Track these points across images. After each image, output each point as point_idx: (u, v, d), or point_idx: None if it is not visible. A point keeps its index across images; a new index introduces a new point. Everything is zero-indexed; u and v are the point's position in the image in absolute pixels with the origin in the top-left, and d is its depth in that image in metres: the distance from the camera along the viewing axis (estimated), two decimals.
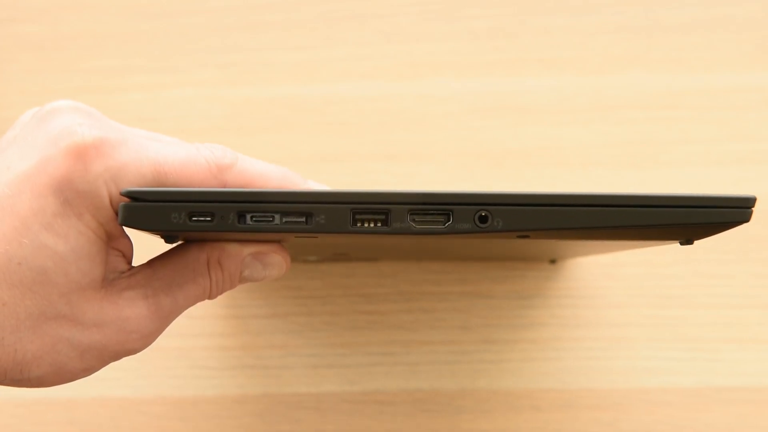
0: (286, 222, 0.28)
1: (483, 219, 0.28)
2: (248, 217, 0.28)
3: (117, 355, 0.31)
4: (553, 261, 0.48)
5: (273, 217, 0.28)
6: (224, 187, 0.30)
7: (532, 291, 0.48)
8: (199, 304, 0.33)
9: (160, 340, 0.32)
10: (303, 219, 0.28)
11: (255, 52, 0.51)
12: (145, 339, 0.31)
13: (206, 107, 0.51)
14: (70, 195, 0.28)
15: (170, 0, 0.52)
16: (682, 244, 0.30)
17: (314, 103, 0.51)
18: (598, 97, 0.50)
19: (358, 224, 0.28)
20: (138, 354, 0.32)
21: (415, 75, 0.51)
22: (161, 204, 0.28)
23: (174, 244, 0.32)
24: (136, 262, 0.32)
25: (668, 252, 0.48)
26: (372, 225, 0.28)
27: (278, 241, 0.32)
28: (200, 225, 0.28)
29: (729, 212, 0.27)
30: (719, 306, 0.48)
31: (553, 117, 0.50)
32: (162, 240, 0.31)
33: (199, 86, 0.51)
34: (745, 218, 0.28)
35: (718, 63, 0.50)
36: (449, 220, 0.28)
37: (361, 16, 0.51)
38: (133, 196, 0.27)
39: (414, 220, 0.28)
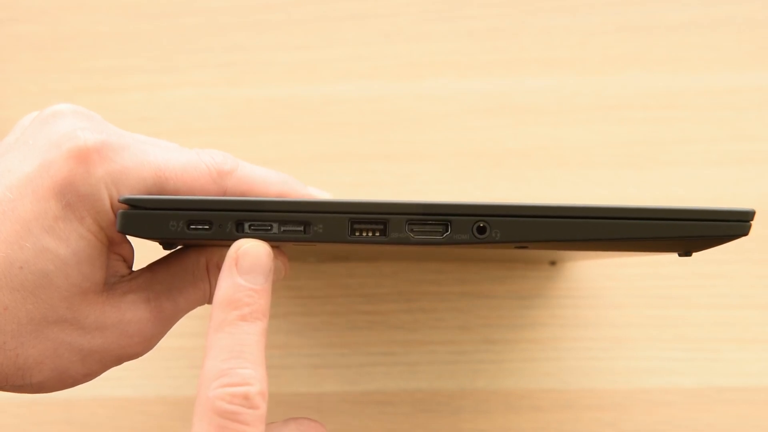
0: (284, 231, 0.28)
1: (481, 230, 0.28)
2: (246, 225, 0.28)
3: (119, 360, 0.31)
4: (553, 263, 0.48)
5: (271, 226, 0.28)
6: (224, 193, 0.30)
7: (532, 291, 0.48)
8: None
9: (161, 340, 0.32)
10: (301, 228, 0.28)
11: (255, 52, 0.51)
12: (147, 343, 0.31)
13: (206, 107, 0.51)
14: (71, 198, 0.28)
15: (170, 0, 0.52)
16: (680, 255, 0.30)
17: (314, 103, 0.51)
18: (598, 97, 0.50)
19: (357, 233, 0.28)
20: None
21: (415, 75, 0.51)
22: (159, 212, 0.28)
23: (172, 250, 0.32)
24: (137, 265, 0.32)
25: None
26: (370, 235, 0.28)
27: (276, 247, 0.32)
28: (198, 233, 0.28)
29: (727, 225, 0.27)
30: (719, 306, 0.48)
31: (553, 117, 0.50)
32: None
33: (199, 86, 0.51)
34: (744, 232, 0.28)
35: (718, 63, 0.50)
36: (447, 231, 0.28)
37: (361, 16, 0.51)
38: (132, 204, 0.27)
39: (412, 230, 0.28)
